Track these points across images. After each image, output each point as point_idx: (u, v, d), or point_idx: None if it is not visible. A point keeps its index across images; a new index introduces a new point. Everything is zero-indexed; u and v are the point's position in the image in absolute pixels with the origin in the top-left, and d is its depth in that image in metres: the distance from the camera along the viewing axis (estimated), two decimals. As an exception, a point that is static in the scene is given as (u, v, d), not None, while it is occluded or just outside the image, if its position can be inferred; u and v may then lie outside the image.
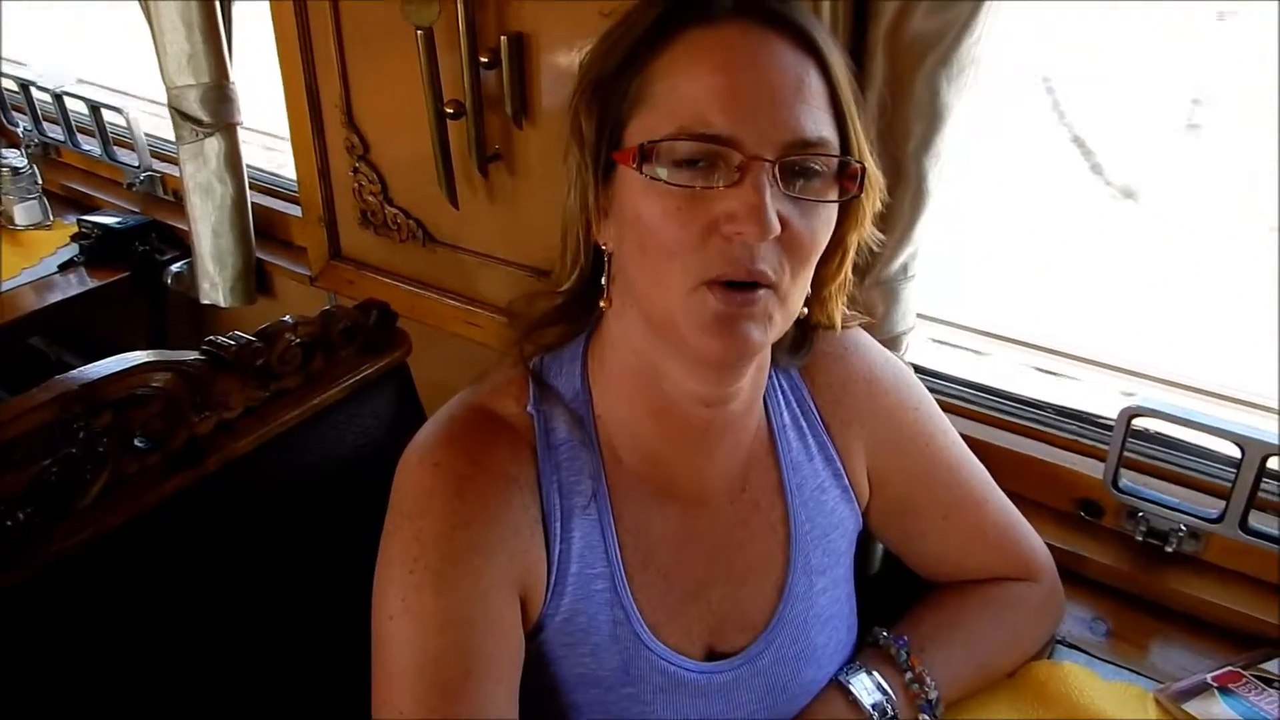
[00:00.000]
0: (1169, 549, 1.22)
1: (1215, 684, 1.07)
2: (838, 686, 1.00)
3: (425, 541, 0.86)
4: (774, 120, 0.77)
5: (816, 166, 0.79)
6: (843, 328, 1.00)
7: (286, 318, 1.17)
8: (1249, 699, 1.05)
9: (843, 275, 0.92)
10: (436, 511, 0.86)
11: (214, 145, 1.88)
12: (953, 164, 1.13)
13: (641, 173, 0.78)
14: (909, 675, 1.00)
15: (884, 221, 1.14)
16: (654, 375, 0.89)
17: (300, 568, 1.14)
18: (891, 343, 1.23)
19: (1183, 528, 1.21)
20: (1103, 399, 1.45)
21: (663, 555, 0.95)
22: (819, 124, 0.79)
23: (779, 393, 1.02)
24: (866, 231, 0.89)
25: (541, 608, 0.92)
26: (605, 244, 0.87)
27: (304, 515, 1.15)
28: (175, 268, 2.17)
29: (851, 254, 0.90)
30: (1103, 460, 1.24)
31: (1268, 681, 1.07)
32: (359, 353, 1.23)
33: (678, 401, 0.90)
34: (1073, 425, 1.34)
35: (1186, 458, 1.28)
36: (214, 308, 2.03)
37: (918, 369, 1.34)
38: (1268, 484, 1.16)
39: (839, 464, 1.03)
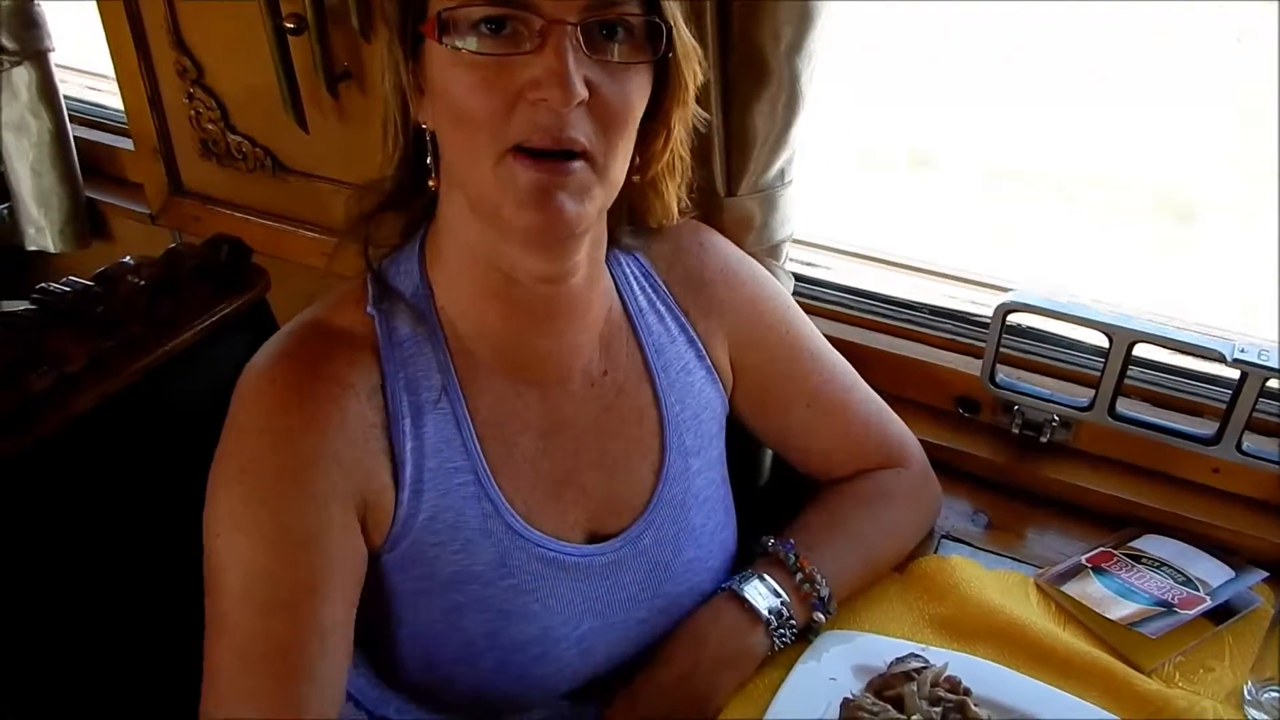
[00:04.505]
0: (1043, 439, 1.26)
1: (1089, 564, 1.12)
2: (732, 595, 1.00)
3: (258, 455, 0.84)
4: None
5: (623, 29, 0.79)
6: (681, 215, 0.99)
7: (127, 259, 1.09)
8: (1120, 576, 1.10)
9: (669, 155, 0.91)
10: (268, 426, 0.84)
11: (23, 75, 1.73)
12: (825, 62, 1.11)
13: (442, 44, 0.77)
14: (799, 576, 1.01)
15: (758, 126, 1.12)
16: (491, 254, 0.88)
17: (164, 528, 1.06)
18: (772, 251, 1.22)
19: (1055, 418, 1.25)
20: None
21: (527, 444, 0.95)
22: None
23: (631, 279, 1.02)
24: (691, 109, 0.89)
25: (395, 512, 0.90)
26: (425, 123, 0.86)
27: (163, 471, 1.08)
28: (-6, 213, 2.00)
29: (677, 133, 0.90)
30: (979, 358, 1.26)
31: (1136, 558, 1.13)
32: (212, 293, 1.16)
33: (518, 280, 0.89)
34: (949, 325, 1.37)
35: (1058, 350, 1.32)
36: (44, 255, 1.89)
37: (797, 277, 1.34)
38: (1133, 371, 1.20)
39: (701, 347, 1.05)
